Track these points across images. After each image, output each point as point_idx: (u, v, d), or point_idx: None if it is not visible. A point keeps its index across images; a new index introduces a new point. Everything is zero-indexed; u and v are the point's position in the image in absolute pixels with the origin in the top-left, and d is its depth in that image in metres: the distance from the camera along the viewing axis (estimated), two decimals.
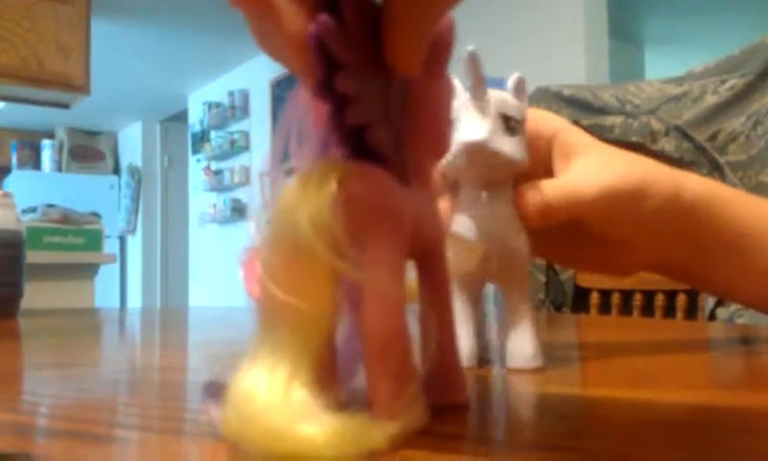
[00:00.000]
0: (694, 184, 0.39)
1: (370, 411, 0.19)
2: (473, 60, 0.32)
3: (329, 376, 0.20)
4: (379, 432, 0.18)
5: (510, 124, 0.33)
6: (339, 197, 0.19)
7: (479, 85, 0.33)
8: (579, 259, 0.44)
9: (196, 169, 5.90)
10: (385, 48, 0.19)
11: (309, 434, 0.17)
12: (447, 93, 0.23)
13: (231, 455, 0.19)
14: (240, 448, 0.18)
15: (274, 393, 0.18)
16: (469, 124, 0.33)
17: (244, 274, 0.22)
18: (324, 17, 0.18)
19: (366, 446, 0.18)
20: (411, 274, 0.23)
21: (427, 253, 0.23)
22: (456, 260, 0.34)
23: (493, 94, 0.33)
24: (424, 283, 0.23)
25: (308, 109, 0.21)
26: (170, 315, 0.99)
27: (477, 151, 0.32)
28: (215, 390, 0.21)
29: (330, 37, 0.18)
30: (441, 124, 0.23)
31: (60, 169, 6.50)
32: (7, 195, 0.79)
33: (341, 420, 0.18)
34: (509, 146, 0.33)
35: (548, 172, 0.38)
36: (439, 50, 0.21)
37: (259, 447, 0.18)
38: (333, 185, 0.19)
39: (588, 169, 0.37)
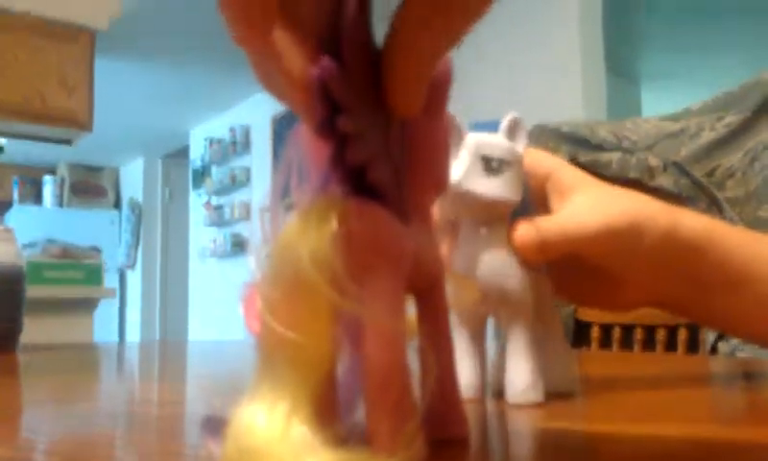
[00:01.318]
0: (691, 221, 0.40)
1: (369, 446, 0.19)
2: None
3: (329, 412, 0.20)
4: None
5: (491, 165, 0.34)
6: (339, 234, 0.19)
7: (453, 132, 0.34)
8: (578, 295, 0.45)
9: (197, 204, 5.92)
10: (385, 90, 0.20)
11: None
12: (446, 132, 0.23)
13: None
14: None
15: (273, 428, 0.18)
16: None
17: (244, 309, 0.22)
18: (325, 61, 0.18)
19: None
20: (411, 309, 0.23)
21: (426, 288, 0.23)
22: (454, 297, 0.34)
23: (473, 137, 0.34)
24: (424, 318, 0.23)
25: (309, 146, 0.21)
26: (169, 349, 0.99)
27: (451, 192, 0.34)
28: (214, 425, 0.21)
29: (332, 80, 0.18)
30: (440, 162, 0.23)
31: (61, 204, 6.52)
32: (8, 230, 0.79)
33: (341, 455, 0.18)
34: (488, 186, 0.34)
35: (546, 210, 0.39)
36: (437, 91, 0.22)
37: None
38: (334, 222, 0.19)
39: (584, 206, 0.37)
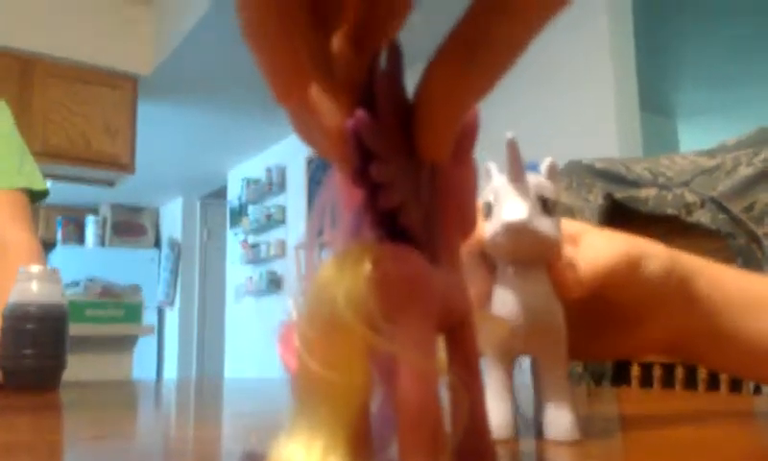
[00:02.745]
0: (686, 256, 0.44)
1: None
2: (512, 146, 0.34)
3: (363, 449, 0.21)
4: None
5: (547, 205, 0.35)
6: (373, 276, 0.20)
7: (518, 170, 0.35)
8: (600, 346, 0.46)
9: (233, 242, 6.01)
10: (416, 139, 0.21)
11: None
12: (474, 177, 0.24)
13: None
14: None
15: None
16: (511, 205, 0.34)
17: (280, 347, 0.23)
18: (360, 114, 0.19)
19: None
20: (441, 348, 0.24)
21: (456, 326, 0.24)
22: (486, 335, 0.35)
23: (530, 177, 0.35)
24: (453, 356, 0.24)
25: (342, 191, 0.22)
26: (205, 387, 1.00)
27: (519, 230, 0.34)
28: (254, 460, 0.21)
29: (366, 131, 0.19)
30: (468, 206, 0.24)
31: (102, 244, 6.67)
32: (54, 271, 0.81)
33: None
34: (546, 226, 0.34)
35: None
36: (465, 137, 0.22)
37: None
38: (368, 265, 0.20)
39: (598, 244, 0.41)
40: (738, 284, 0.45)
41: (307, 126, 0.21)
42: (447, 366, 0.24)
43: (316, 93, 0.20)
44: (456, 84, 0.20)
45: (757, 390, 0.85)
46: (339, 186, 0.22)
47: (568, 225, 0.42)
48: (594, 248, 0.41)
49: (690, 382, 0.96)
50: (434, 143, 0.21)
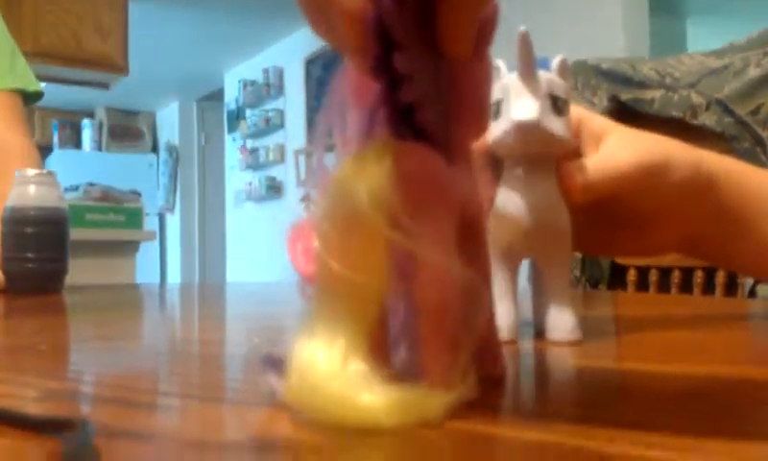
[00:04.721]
0: (712, 159, 0.42)
1: (423, 380, 0.19)
2: (525, 40, 0.32)
3: (381, 347, 0.21)
4: (436, 402, 0.19)
5: (558, 104, 0.34)
6: (396, 173, 0.19)
7: (530, 66, 0.33)
8: (612, 244, 0.45)
9: (232, 148, 5.96)
10: (438, 31, 0.20)
11: (370, 403, 0.18)
12: (488, 74, 0.23)
13: (269, 421, 0.20)
14: (295, 415, 0.19)
15: (332, 365, 0.19)
16: (522, 103, 0.33)
17: (289, 249, 0.23)
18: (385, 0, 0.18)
19: (424, 416, 0.18)
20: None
21: (468, 227, 0.23)
22: (496, 235, 0.34)
23: (542, 75, 0.33)
24: (465, 257, 0.24)
25: (353, 87, 0.21)
26: (208, 290, 1.01)
27: (529, 130, 0.33)
28: (273, 361, 0.21)
29: (391, 18, 0.18)
30: (481, 103, 0.23)
31: (99, 148, 6.62)
32: (50, 174, 0.81)
33: (399, 390, 0.18)
34: (557, 125, 0.33)
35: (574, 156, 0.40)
36: (483, 32, 0.21)
37: (322, 415, 0.18)
38: (390, 161, 0.19)
39: (618, 146, 0.39)
40: (761, 182, 0.43)
41: (320, 10, 0.19)
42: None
43: None
44: None
45: (752, 293, 0.86)
46: (349, 84, 0.21)
47: (595, 121, 0.40)
48: (613, 152, 0.38)
49: (686, 286, 0.98)
50: (458, 36, 0.20)
